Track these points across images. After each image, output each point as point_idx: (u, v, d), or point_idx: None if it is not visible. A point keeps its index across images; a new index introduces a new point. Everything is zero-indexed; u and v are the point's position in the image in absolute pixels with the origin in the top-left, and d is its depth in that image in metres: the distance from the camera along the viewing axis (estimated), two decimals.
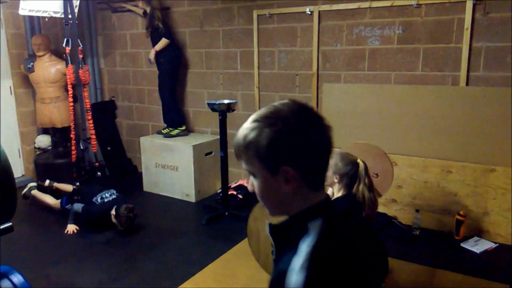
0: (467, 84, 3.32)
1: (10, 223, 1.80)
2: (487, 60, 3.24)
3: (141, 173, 4.69)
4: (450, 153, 3.38)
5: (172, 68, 4.51)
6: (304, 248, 0.86)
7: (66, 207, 3.80)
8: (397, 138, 3.58)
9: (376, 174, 2.71)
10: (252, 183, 0.96)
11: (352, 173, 2.19)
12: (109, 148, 5.15)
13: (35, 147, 4.73)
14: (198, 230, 3.64)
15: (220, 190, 4.07)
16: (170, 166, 4.35)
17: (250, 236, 2.48)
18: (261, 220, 2.27)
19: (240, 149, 0.92)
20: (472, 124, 3.29)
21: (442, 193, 3.41)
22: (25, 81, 4.64)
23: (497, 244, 3.15)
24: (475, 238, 3.24)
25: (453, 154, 3.37)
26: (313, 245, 0.86)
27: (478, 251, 3.07)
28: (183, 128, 4.59)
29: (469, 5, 3.19)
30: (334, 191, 2.24)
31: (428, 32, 3.40)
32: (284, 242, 0.94)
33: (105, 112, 5.28)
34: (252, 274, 2.85)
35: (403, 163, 3.55)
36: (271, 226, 0.98)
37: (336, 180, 2.21)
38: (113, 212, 3.52)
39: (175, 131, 4.54)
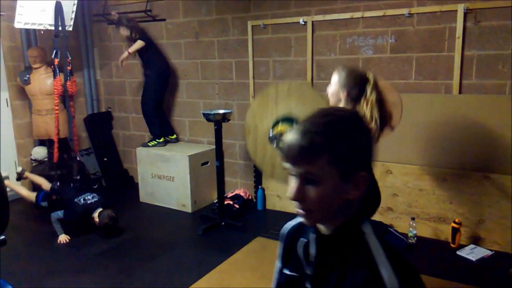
0: (460, 92, 3.34)
1: (3, 236, 1.80)
2: (479, 68, 3.27)
3: (137, 183, 4.68)
4: (444, 161, 3.39)
5: (158, 83, 4.54)
6: (381, 258, 0.84)
7: (41, 203, 3.82)
8: (391, 146, 3.59)
9: None
10: (300, 190, 0.88)
11: (360, 87, 2.10)
12: (105, 159, 5.15)
13: (31, 159, 4.72)
14: (194, 241, 3.63)
15: (216, 200, 4.07)
16: (166, 177, 4.35)
17: (247, 132, 2.30)
18: (259, 116, 2.16)
19: (304, 154, 0.85)
20: (466, 131, 3.30)
21: (437, 201, 3.42)
22: (21, 93, 4.66)
23: (493, 252, 3.15)
24: (471, 245, 3.23)
25: (448, 161, 3.38)
26: (385, 250, 0.85)
27: (474, 259, 3.07)
28: (161, 140, 4.61)
29: (460, 14, 3.23)
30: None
31: (421, 41, 3.43)
32: (331, 252, 0.91)
33: (101, 123, 5.29)
34: (248, 285, 2.84)
35: (398, 171, 3.56)
36: (322, 237, 0.93)
37: (343, 96, 2.13)
38: (95, 217, 3.58)
39: (152, 142, 4.58)
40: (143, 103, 4.63)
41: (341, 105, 2.14)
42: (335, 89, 2.17)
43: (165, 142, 4.66)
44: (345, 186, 0.86)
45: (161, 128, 4.66)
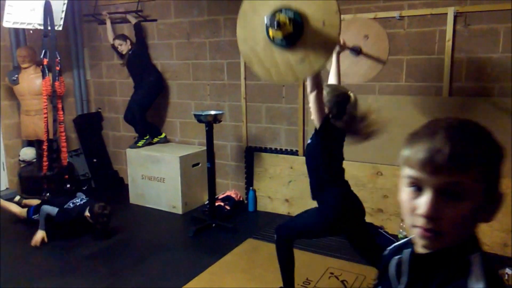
0: (450, 94, 3.37)
1: None
2: (469, 71, 3.30)
3: (127, 185, 4.65)
4: None
5: (155, 90, 4.66)
6: None
7: (33, 217, 3.77)
8: (382, 148, 3.60)
9: (366, 36, 2.71)
10: (438, 205, 0.74)
11: (339, 104, 2.20)
12: (95, 160, 5.11)
13: (19, 160, 4.66)
14: (185, 243, 3.61)
15: (207, 202, 4.05)
16: (157, 178, 4.33)
17: (249, 61, 2.12)
18: (251, 38, 2.02)
19: (458, 162, 0.72)
20: None
21: None
22: (9, 93, 4.60)
23: None
24: None
25: None
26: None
27: None
28: (147, 137, 4.65)
29: (450, 17, 3.26)
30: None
31: (411, 43, 3.46)
32: (427, 274, 0.80)
33: (91, 123, 5.24)
34: (239, 286, 2.83)
35: (389, 172, 3.58)
36: (418, 256, 0.82)
37: (326, 111, 2.21)
38: (87, 213, 3.54)
39: (141, 142, 4.59)
40: (133, 104, 4.62)
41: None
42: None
43: (152, 138, 4.68)
44: (485, 205, 0.76)
45: (147, 127, 4.68)
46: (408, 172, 0.77)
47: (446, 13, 3.27)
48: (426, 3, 3.35)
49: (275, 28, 1.86)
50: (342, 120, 2.20)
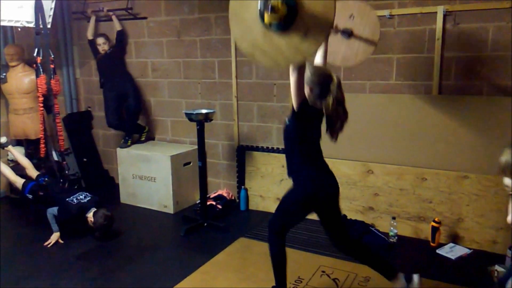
0: (439, 93, 3.39)
1: None
2: (458, 69, 3.33)
3: (118, 184, 4.61)
4: (424, 160, 3.45)
5: (139, 94, 4.84)
6: None
7: (28, 195, 3.73)
8: (372, 146, 3.63)
9: (351, 15, 2.71)
10: None
11: (322, 85, 2.20)
12: (85, 159, 5.06)
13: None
14: (176, 242, 3.60)
15: (199, 201, 4.04)
16: (148, 177, 4.30)
17: (250, 55, 2.11)
18: (248, 32, 2.02)
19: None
20: (445, 132, 3.36)
21: (417, 200, 3.47)
22: None
23: (471, 250, 3.21)
24: (450, 244, 3.29)
25: (427, 161, 3.43)
26: None
27: (453, 257, 3.12)
28: (136, 135, 4.75)
29: (440, 16, 3.28)
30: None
31: (401, 42, 3.47)
32: None
33: (81, 122, 5.20)
34: (231, 285, 2.83)
35: (379, 171, 3.60)
36: None
37: (307, 91, 2.23)
38: (90, 217, 3.52)
39: (130, 141, 4.64)
40: (130, 111, 4.73)
41: (309, 100, 2.23)
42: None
43: (140, 135, 4.73)
44: None
45: (136, 127, 4.75)
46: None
47: (436, 12, 3.28)
48: (416, 2, 3.37)
49: (270, 11, 1.86)
50: (325, 101, 2.20)
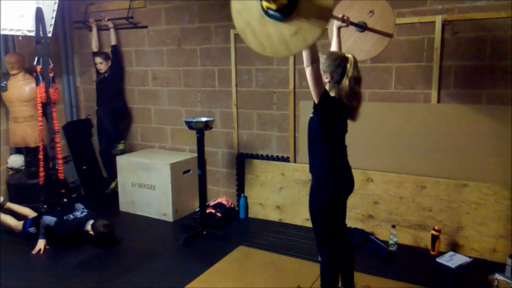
0: (438, 102, 3.41)
1: None
2: (457, 78, 3.34)
3: (117, 192, 4.61)
4: (424, 168, 3.45)
5: (118, 119, 4.94)
6: None
7: (29, 230, 3.70)
8: (372, 155, 3.63)
9: (372, 12, 2.66)
10: None
11: (341, 68, 2.18)
12: (84, 167, 5.06)
13: (7, 167, 4.60)
14: (175, 250, 3.58)
15: (198, 209, 4.03)
16: (147, 185, 4.30)
17: (243, 33, 2.07)
18: (245, 10, 2.00)
19: None
20: (444, 140, 3.37)
21: (417, 208, 3.46)
22: None
23: (471, 259, 3.20)
24: (450, 253, 3.28)
25: (427, 169, 3.44)
26: None
27: (453, 266, 3.11)
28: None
29: (438, 26, 3.30)
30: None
31: (400, 51, 3.50)
32: None
33: (81, 130, 5.20)
34: None
35: (379, 179, 3.60)
36: None
37: (326, 80, 2.19)
38: (89, 229, 3.52)
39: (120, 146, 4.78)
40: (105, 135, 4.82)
41: (327, 88, 2.20)
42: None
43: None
44: None
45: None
46: None
47: (434, 22, 3.31)
48: (414, 11, 3.39)
49: (269, 0, 1.85)
50: (345, 84, 2.16)
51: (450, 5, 3.27)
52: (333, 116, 2.24)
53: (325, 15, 1.88)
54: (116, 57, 4.75)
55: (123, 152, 4.76)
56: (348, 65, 2.18)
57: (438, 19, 3.29)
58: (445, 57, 3.35)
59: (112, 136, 4.77)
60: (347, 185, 2.41)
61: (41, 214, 3.81)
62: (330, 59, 2.21)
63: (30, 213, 4.00)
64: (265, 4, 1.89)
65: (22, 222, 3.82)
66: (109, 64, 4.71)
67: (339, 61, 2.20)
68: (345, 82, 2.17)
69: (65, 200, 4.26)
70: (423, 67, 3.43)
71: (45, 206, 3.89)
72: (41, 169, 4.13)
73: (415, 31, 3.42)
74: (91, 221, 3.57)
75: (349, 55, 2.22)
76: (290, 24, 1.92)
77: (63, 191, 4.28)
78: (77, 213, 3.68)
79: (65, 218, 3.59)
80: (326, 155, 2.29)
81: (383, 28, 2.69)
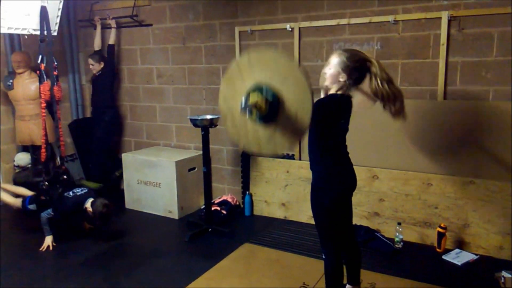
0: (444, 98, 3.38)
1: None
2: (463, 74, 3.32)
3: (123, 190, 4.63)
4: (430, 166, 3.43)
5: (110, 131, 4.97)
6: None
7: (29, 207, 3.72)
8: (378, 152, 3.62)
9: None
10: None
11: (362, 70, 2.15)
12: (90, 165, 5.08)
13: (14, 165, 4.63)
14: (181, 248, 3.59)
15: (204, 206, 4.04)
16: (153, 183, 4.31)
17: (224, 118, 2.24)
18: (231, 97, 2.13)
19: None
20: (450, 137, 3.35)
21: (423, 205, 3.45)
22: (4, 98, 4.58)
23: (478, 256, 3.18)
24: (457, 250, 3.26)
25: (433, 167, 3.42)
26: None
27: (459, 263, 3.09)
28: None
29: (444, 21, 3.28)
30: (331, 91, 2.20)
31: (406, 47, 3.47)
32: None
33: (86, 128, 5.22)
34: None
35: (385, 176, 3.59)
36: None
37: (342, 79, 2.16)
38: (88, 207, 3.50)
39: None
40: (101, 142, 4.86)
41: (337, 87, 2.18)
42: (334, 72, 2.18)
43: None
44: None
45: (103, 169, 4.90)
46: None
47: (440, 18, 3.28)
48: (420, 7, 3.37)
49: (247, 114, 1.99)
50: (379, 87, 2.13)
51: (456, 1, 3.24)
52: (333, 116, 2.21)
53: (297, 135, 2.04)
54: (110, 56, 4.76)
55: (117, 179, 4.82)
56: (373, 68, 2.14)
57: (444, 15, 3.26)
58: (451, 53, 3.32)
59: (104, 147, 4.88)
60: (349, 183, 2.39)
61: (41, 191, 3.80)
62: (352, 60, 2.15)
63: (26, 192, 4.00)
64: (251, 101, 1.99)
65: (21, 199, 3.83)
66: (102, 65, 4.74)
67: (361, 63, 2.15)
68: (376, 85, 2.13)
69: (65, 176, 4.26)
70: (429, 63, 3.41)
71: (46, 183, 3.88)
72: (44, 145, 4.07)
73: (421, 27, 3.39)
74: (91, 199, 3.55)
75: (373, 59, 2.17)
76: (266, 129, 2.06)
77: (63, 168, 4.28)
78: (77, 190, 3.65)
79: (65, 195, 3.57)
80: (325, 154, 2.27)
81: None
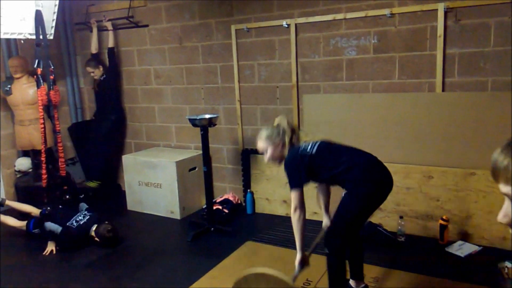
0: (443, 90, 3.37)
1: None
2: (461, 66, 3.31)
3: (124, 192, 4.63)
4: (430, 158, 3.42)
5: (114, 131, 4.98)
6: None
7: (33, 231, 3.73)
8: (378, 146, 3.60)
9: None
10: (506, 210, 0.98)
11: (278, 132, 2.46)
12: (90, 163, 5.08)
13: (15, 170, 4.64)
14: (183, 248, 3.60)
15: (205, 206, 4.04)
16: (154, 184, 4.31)
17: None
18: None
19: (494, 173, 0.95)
20: (450, 129, 3.34)
21: (424, 198, 3.44)
22: (3, 104, 4.58)
23: (481, 247, 3.18)
24: (459, 242, 3.26)
25: (434, 159, 3.41)
26: None
27: (462, 255, 3.09)
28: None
29: (440, 13, 3.26)
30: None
31: (403, 40, 3.46)
32: None
33: (86, 131, 5.22)
34: None
35: None
36: None
37: (278, 146, 2.47)
38: (93, 235, 3.54)
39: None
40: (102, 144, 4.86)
41: (279, 152, 2.47)
42: (266, 146, 2.48)
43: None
44: None
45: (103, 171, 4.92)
46: None
47: (437, 9, 3.27)
48: (416, 0, 3.36)
49: None
50: (293, 135, 2.48)
51: None
52: (310, 169, 2.44)
53: None
54: (112, 60, 4.75)
55: (93, 190, 4.81)
56: (283, 126, 2.45)
57: (441, 7, 3.25)
58: (449, 45, 3.31)
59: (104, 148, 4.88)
60: (385, 175, 2.47)
61: (43, 216, 3.78)
62: (272, 137, 2.45)
63: (31, 209, 4.01)
64: None
65: (25, 222, 3.83)
66: (102, 70, 4.74)
67: (278, 130, 2.45)
68: (289, 135, 2.45)
69: (67, 196, 4.27)
70: (427, 56, 3.40)
71: (48, 208, 3.89)
72: (44, 171, 4.14)
73: (417, 19, 3.38)
74: (95, 226, 3.58)
75: (276, 118, 2.51)
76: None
77: (65, 187, 4.30)
78: (80, 218, 3.64)
79: (68, 224, 3.57)
80: (339, 172, 2.42)
81: None
